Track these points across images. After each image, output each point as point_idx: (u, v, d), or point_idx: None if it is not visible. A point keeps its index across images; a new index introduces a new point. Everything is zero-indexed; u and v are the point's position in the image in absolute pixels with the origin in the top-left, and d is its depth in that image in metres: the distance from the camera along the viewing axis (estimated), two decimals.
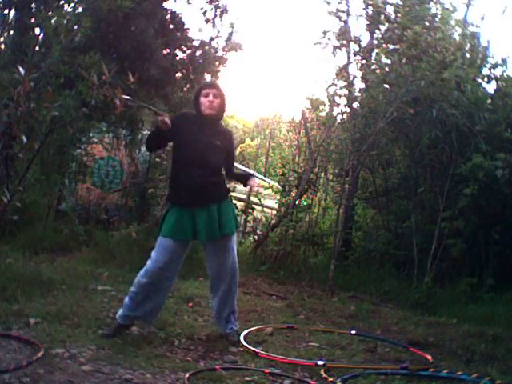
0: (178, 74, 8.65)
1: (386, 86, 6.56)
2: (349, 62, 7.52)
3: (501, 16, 9.63)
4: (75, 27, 6.51)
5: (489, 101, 6.43)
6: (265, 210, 8.77)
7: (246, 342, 3.58)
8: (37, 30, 7.37)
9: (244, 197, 9.44)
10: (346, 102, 7.12)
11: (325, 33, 7.60)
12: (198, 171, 3.47)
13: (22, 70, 4.15)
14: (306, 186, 7.30)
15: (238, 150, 21.81)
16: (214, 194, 3.54)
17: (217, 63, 8.69)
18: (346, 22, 7.55)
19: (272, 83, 49.93)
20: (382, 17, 7.31)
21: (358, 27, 7.71)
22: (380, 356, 3.66)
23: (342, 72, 7.36)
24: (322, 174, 8.33)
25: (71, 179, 7.63)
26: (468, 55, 6.91)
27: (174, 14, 8.48)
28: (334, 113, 7.35)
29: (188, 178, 3.48)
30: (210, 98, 3.55)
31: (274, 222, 7.41)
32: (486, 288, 5.82)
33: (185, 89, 8.61)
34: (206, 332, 3.72)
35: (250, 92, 53.40)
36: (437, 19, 7.11)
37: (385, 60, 6.94)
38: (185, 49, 8.61)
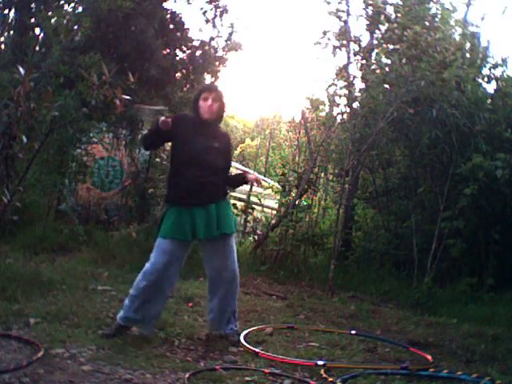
0: (178, 74, 8.66)
1: (386, 86, 6.57)
2: (349, 62, 7.53)
3: (501, 16, 9.63)
4: (75, 27, 6.50)
5: (489, 101, 6.43)
6: (265, 209, 8.77)
7: (246, 341, 3.57)
8: (37, 30, 7.39)
9: (244, 197, 9.44)
10: (346, 102, 7.12)
11: (325, 33, 7.61)
12: (197, 171, 3.47)
13: (22, 69, 4.15)
14: (306, 186, 7.30)
15: (238, 149, 21.81)
16: (212, 194, 3.54)
17: (217, 63, 8.71)
18: (346, 22, 7.56)
19: (272, 83, 49.94)
20: (382, 17, 7.31)
21: (358, 27, 7.74)
22: (380, 356, 3.66)
23: (342, 72, 7.37)
24: (322, 174, 8.33)
25: (71, 179, 7.63)
26: (468, 55, 6.91)
27: (173, 14, 8.49)
28: (334, 113, 7.36)
29: (187, 178, 3.49)
30: (209, 102, 3.56)
31: (274, 222, 7.41)
32: (486, 288, 5.82)
33: (185, 89, 8.61)
34: (206, 332, 3.71)
35: (250, 92, 53.43)
36: (437, 19, 7.11)
37: (385, 60, 6.94)
38: (185, 49, 8.63)
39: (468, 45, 7.05)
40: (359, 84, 7.41)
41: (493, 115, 6.13)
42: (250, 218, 8.04)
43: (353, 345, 3.85)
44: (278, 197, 7.90)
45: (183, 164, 3.53)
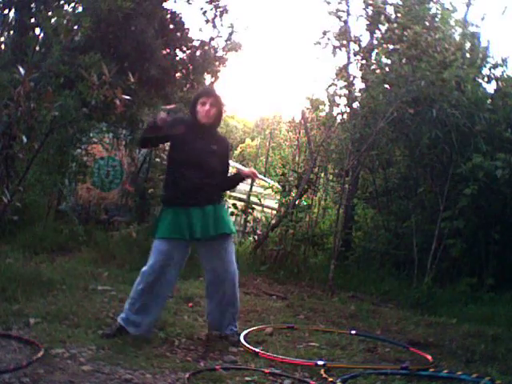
0: (178, 74, 8.66)
1: (386, 86, 6.57)
2: (349, 62, 7.53)
3: (501, 16, 9.63)
4: (75, 27, 6.50)
5: (489, 101, 6.43)
6: (265, 209, 8.77)
7: (246, 341, 3.57)
8: (37, 30, 7.38)
9: (244, 197, 9.44)
10: (346, 102, 7.13)
11: (325, 33, 7.61)
12: (194, 173, 3.47)
13: (22, 69, 4.15)
14: (306, 186, 7.30)
15: (238, 149, 21.81)
16: (209, 195, 3.54)
17: (217, 63, 8.70)
18: (346, 22, 7.56)
19: (272, 83, 49.91)
20: (382, 17, 7.31)
21: (358, 27, 7.75)
22: (380, 356, 3.66)
23: (342, 72, 7.37)
24: (322, 174, 8.33)
25: (71, 179, 7.63)
26: (468, 55, 6.91)
27: (173, 14, 8.49)
28: (334, 113, 7.37)
29: (184, 179, 3.49)
30: (207, 107, 3.56)
31: (274, 222, 7.41)
32: (486, 288, 5.82)
33: (185, 89, 8.61)
34: (206, 332, 3.71)
35: (250, 92, 53.39)
36: (437, 19, 7.12)
37: (385, 60, 6.95)
38: (185, 49, 8.62)
39: (468, 45, 7.05)
40: (359, 84, 7.43)
41: (493, 115, 6.13)
42: (249, 218, 8.04)
43: (353, 345, 3.85)
44: (278, 197, 7.91)
45: (181, 166, 3.53)
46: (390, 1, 7.41)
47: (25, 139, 4.24)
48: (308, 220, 7.46)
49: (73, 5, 7.34)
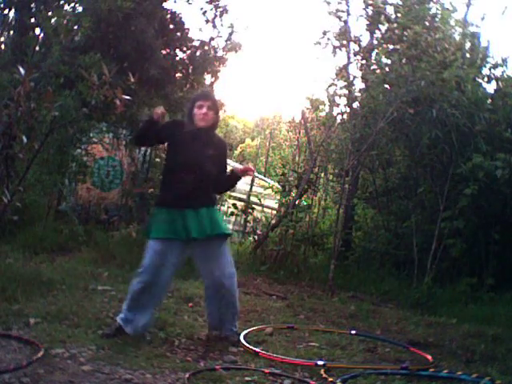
0: (178, 74, 8.66)
1: (386, 85, 6.57)
2: (349, 62, 7.53)
3: (501, 16, 9.62)
4: (75, 27, 6.51)
5: (489, 101, 6.43)
6: (265, 210, 8.78)
7: (246, 341, 3.57)
8: (37, 30, 7.38)
9: (244, 197, 9.45)
10: (346, 102, 7.12)
11: (325, 33, 7.61)
12: (189, 177, 3.47)
13: (22, 70, 4.15)
14: (306, 186, 7.30)
15: (238, 149, 21.81)
16: (203, 199, 3.54)
17: (217, 63, 8.69)
18: (346, 22, 7.56)
19: (272, 83, 49.85)
20: (382, 17, 7.31)
21: (358, 27, 7.75)
22: (380, 356, 3.66)
23: (342, 72, 7.37)
24: (322, 174, 8.34)
25: (71, 179, 7.63)
26: (468, 55, 6.91)
27: (173, 14, 8.48)
28: (334, 113, 7.37)
29: (179, 182, 3.49)
30: (204, 110, 3.56)
31: (274, 221, 7.42)
32: (486, 288, 5.83)
33: (185, 89, 8.61)
34: (206, 332, 3.71)
35: (250, 92, 53.33)
36: (437, 19, 7.11)
37: (385, 60, 6.95)
38: (185, 49, 8.61)
39: (468, 45, 7.05)
40: (359, 84, 7.42)
41: (493, 115, 6.14)
42: (249, 218, 8.04)
43: (353, 345, 3.85)
44: (278, 197, 7.91)
45: (176, 169, 3.54)
46: (390, 1, 7.40)
47: (25, 139, 4.24)
48: (308, 220, 7.46)
49: (73, 5, 7.34)
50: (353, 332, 4.16)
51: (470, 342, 4.13)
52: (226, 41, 8.69)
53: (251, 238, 8.03)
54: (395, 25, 7.06)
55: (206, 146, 3.56)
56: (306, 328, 4.25)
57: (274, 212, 8.55)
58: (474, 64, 6.59)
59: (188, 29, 8.58)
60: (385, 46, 7.20)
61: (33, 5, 7.58)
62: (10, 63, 6.39)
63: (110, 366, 2.87)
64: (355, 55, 7.57)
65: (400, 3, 7.24)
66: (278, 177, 9.90)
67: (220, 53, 8.72)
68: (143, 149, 8.36)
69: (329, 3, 7.62)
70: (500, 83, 6.65)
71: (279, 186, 7.98)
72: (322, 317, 4.81)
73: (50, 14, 6.55)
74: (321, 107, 7.60)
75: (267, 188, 9.12)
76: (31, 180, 6.37)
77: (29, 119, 4.32)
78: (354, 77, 7.37)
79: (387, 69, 6.75)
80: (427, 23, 6.93)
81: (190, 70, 8.55)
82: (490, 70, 6.77)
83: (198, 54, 8.54)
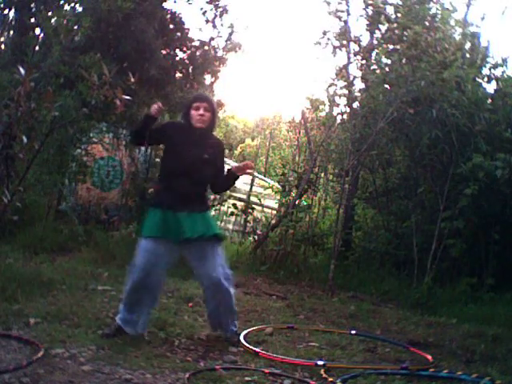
0: (178, 74, 8.66)
1: (386, 85, 6.57)
2: (349, 62, 7.52)
3: (501, 16, 9.63)
4: (75, 27, 6.50)
5: (489, 101, 6.43)
6: (265, 210, 8.78)
7: (246, 341, 3.57)
8: (37, 30, 7.38)
9: (244, 197, 9.45)
10: (346, 101, 7.12)
11: (325, 33, 7.60)
12: (185, 180, 3.47)
13: (22, 70, 4.15)
14: (306, 186, 7.30)
15: (238, 149, 21.80)
16: (197, 203, 3.54)
17: (217, 63, 8.70)
18: (346, 22, 7.55)
19: (272, 83, 49.83)
20: (382, 17, 7.30)
21: (358, 27, 7.75)
22: (380, 356, 3.66)
23: (342, 72, 7.36)
24: (322, 174, 8.34)
25: (71, 179, 7.63)
26: (468, 55, 6.91)
27: (174, 14, 8.48)
28: (334, 113, 7.37)
29: (174, 186, 3.49)
30: (201, 111, 3.56)
31: (274, 221, 7.42)
32: (486, 288, 5.83)
33: (185, 89, 8.61)
34: (206, 332, 3.71)
35: (250, 92, 53.30)
36: (437, 19, 7.10)
37: (385, 60, 6.94)
38: (185, 49, 8.61)
39: (468, 45, 7.05)
40: (359, 84, 7.42)
41: (493, 115, 6.14)
42: (249, 218, 8.04)
43: (353, 345, 3.86)
44: (278, 197, 7.91)
45: (172, 173, 3.54)
46: (390, 1, 7.40)
47: (25, 139, 4.24)
48: (308, 220, 7.46)
49: (73, 5, 7.34)
50: (353, 332, 4.16)
51: (470, 342, 4.14)
52: (226, 41, 8.69)
53: (251, 238, 8.03)
54: (395, 25, 7.06)
55: (202, 149, 3.55)
56: (305, 328, 4.25)
57: (274, 212, 8.55)
58: (474, 64, 6.59)
59: (188, 29, 8.58)
60: (385, 45, 7.19)
61: (33, 5, 7.58)
62: (10, 63, 6.39)
63: (109, 365, 2.88)
64: (355, 55, 7.57)
65: (400, 3, 7.23)
66: (278, 177, 9.91)
67: (220, 53, 8.72)
68: (143, 149, 8.36)
69: (329, 3, 7.62)
70: (500, 83, 6.65)
71: (279, 186, 7.98)
72: (321, 317, 4.82)
73: (50, 14, 6.54)
74: (321, 107, 7.61)
75: (267, 188, 9.12)
76: (31, 180, 6.37)
77: (29, 119, 4.32)
78: (354, 77, 7.37)
79: (387, 69, 6.75)
80: (427, 23, 6.93)
81: (190, 70, 8.55)
82: (489, 70, 6.77)
83: (198, 53, 8.54)
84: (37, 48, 6.57)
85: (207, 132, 3.64)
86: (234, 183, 3.91)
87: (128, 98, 4.21)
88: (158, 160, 8.16)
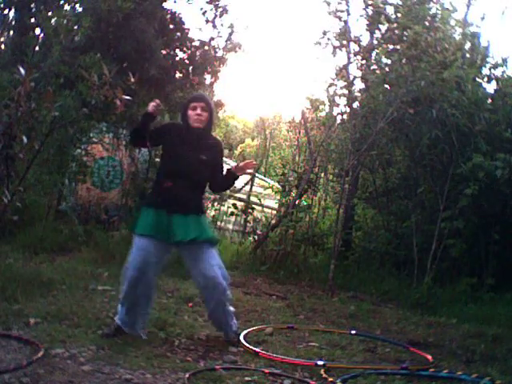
0: (178, 74, 8.66)
1: (386, 86, 6.57)
2: (349, 62, 7.52)
3: (501, 16, 9.63)
4: (75, 27, 6.50)
5: (489, 101, 6.43)
6: (265, 210, 8.78)
7: (246, 341, 3.57)
8: (37, 30, 7.38)
9: (244, 197, 9.45)
10: (346, 102, 7.12)
11: (325, 33, 7.60)
12: (181, 182, 3.47)
13: (22, 70, 4.15)
14: (306, 186, 7.30)
15: (238, 149, 21.81)
16: (193, 206, 3.53)
17: (217, 63, 8.70)
18: (346, 22, 7.55)
19: (272, 83, 49.81)
20: (382, 17, 7.30)
21: (358, 27, 7.75)
22: (380, 356, 3.66)
23: (342, 72, 7.36)
24: (322, 174, 8.34)
25: (71, 179, 7.62)
26: (468, 55, 6.92)
27: (174, 14, 8.50)
28: (334, 113, 7.37)
29: (170, 188, 3.48)
30: (198, 111, 3.55)
31: (274, 221, 7.42)
32: (486, 288, 5.83)
33: (185, 89, 8.61)
34: (206, 332, 3.72)
35: (250, 92, 53.29)
36: (437, 19, 7.10)
37: (385, 60, 6.95)
38: (185, 49, 8.62)
39: (468, 45, 7.05)
40: (359, 84, 7.42)
41: (493, 115, 6.14)
42: (249, 218, 8.04)
43: (353, 345, 3.86)
44: (278, 197, 7.91)
45: (169, 175, 3.53)
46: (390, 1, 7.39)
47: (25, 139, 4.24)
48: (308, 220, 7.46)
49: (73, 5, 7.34)
50: (353, 332, 4.16)
51: (470, 342, 4.14)
52: (226, 41, 8.71)
53: (251, 238, 8.03)
54: (395, 25, 7.06)
55: (199, 151, 3.54)
56: (305, 328, 4.25)
57: (274, 212, 8.55)
58: (474, 64, 6.59)
59: (188, 29, 8.60)
60: (385, 45, 7.19)
61: (33, 5, 7.59)
62: (9, 63, 6.40)
63: (109, 366, 2.88)
64: (355, 55, 7.56)
65: (400, 3, 7.23)
66: (278, 177, 9.90)
67: (220, 53, 8.73)
68: (143, 149, 8.36)
69: (329, 3, 7.61)
70: (500, 83, 6.65)
71: (279, 186, 7.98)
72: (321, 317, 4.82)
73: (50, 14, 6.55)
74: (321, 107, 7.60)
75: (267, 188, 9.12)
76: (31, 180, 6.36)
77: (29, 119, 4.32)
78: (354, 77, 7.37)
79: (387, 69, 6.75)
80: (427, 23, 6.93)
81: (190, 70, 8.55)
82: (489, 70, 6.78)
83: (198, 53, 8.55)
84: (37, 48, 6.57)
85: (205, 132, 3.63)
86: (234, 183, 3.90)
87: (128, 97, 4.22)
88: (157, 160, 8.16)
